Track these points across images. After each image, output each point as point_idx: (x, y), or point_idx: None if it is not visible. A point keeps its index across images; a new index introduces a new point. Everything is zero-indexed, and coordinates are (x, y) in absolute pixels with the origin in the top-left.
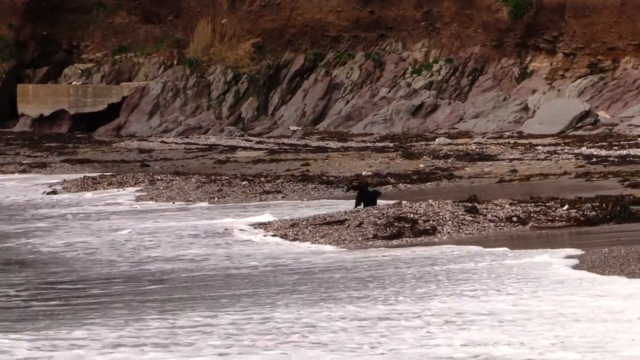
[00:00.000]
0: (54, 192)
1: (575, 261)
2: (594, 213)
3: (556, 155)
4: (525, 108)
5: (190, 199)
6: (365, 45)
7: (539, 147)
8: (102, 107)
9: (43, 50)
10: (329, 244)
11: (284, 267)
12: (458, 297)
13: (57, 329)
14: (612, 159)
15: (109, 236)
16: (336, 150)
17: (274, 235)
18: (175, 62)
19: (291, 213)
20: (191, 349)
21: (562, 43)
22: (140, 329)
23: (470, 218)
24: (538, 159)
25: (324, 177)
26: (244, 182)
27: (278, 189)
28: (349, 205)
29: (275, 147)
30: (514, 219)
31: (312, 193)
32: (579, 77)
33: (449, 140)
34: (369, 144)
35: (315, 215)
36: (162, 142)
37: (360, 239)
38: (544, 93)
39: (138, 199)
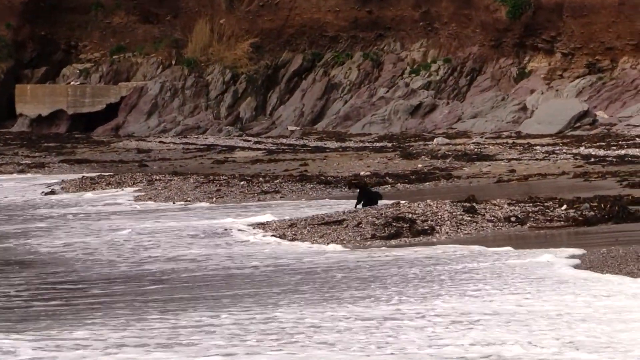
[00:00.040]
0: (52, 193)
1: (578, 261)
2: (592, 213)
3: (554, 155)
4: (524, 108)
5: (189, 199)
6: (364, 45)
7: (537, 147)
8: (100, 107)
9: (41, 51)
10: (330, 243)
11: (286, 267)
12: (462, 297)
13: (60, 329)
14: (610, 159)
15: (109, 236)
16: (334, 150)
17: (272, 236)
18: (173, 62)
19: (293, 213)
20: (196, 349)
21: (560, 43)
22: (143, 329)
23: (469, 218)
24: (536, 159)
25: (322, 177)
26: (242, 182)
27: (276, 189)
28: (350, 205)
29: (273, 147)
30: (513, 219)
31: (310, 193)
32: (577, 77)
33: (447, 140)
34: (367, 144)
35: (313, 215)
36: (160, 142)
37: (358, 239)
38: (542, 93)
39: (137, 199)
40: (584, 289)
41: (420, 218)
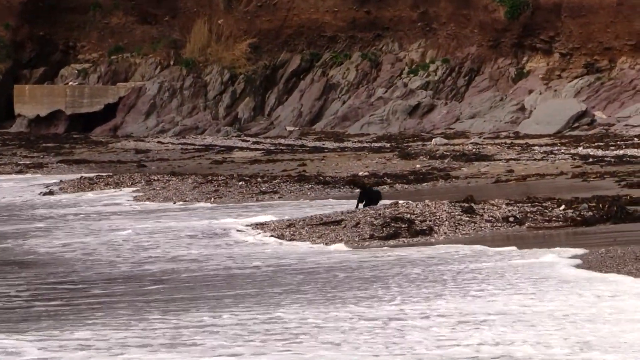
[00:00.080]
0: (51, 193)
1: (580, 261)
2: (590, 213)
3: (553, 155)
4: (522, 108)
5: (187, 199)
6: (362, 46)
7: (536, 147)
8: (98, 107)
9: (40, 51)
10: (335, 243)
11: (287, 267)
12: (466, 297)
13: (62, 329)
14: (608, 159)
15: (110, 236)
16: (333, 150)
17: (271, 236)
18: (171, 63)
19: (295, 213)
20: (202, 349)
21: (559, 43)
22: (146, 329)
23: (467, 218)
24: (535, 159)
25: (321, 178)
26: (240, 183)
27: (275, 189)
28: (352, 205)
29: (271, 148)
30: (511, 219)
31: (308, 193)
32: (576, 77)
33: (445, 141)
34: (365, 144)
35: (312, 216)
36: (158, 142)
37: (357, 239)
38: (540, 93)
39: (136, 199)
40: (588, 289)
41: (419, 218)
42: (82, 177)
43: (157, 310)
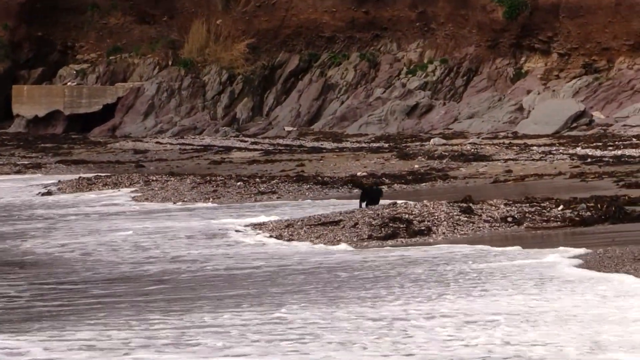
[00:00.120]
0: (49, 193)
1: (582, 261)
2: (588, 213)
3: (551, 155)
4: (520, 108)
5: (186, 199)
6: (360, 46)
7: (534, 148)
8: (97, 107)
9: (38, 51)
10: (341, 243)
11: (289, 267)
12: (471, 296)
13: (63, 329)
14: (606, 159)
15: (109, 237)
16: (331, 150)
17: (270, 236)
18: (170, 63)
19: (299, 213)
20: (208, 349)
21: (557, 43)
22: (149, 329)
23: (465, 218)
24: (533, 160)
25: (319, 178)
26: (239, 183)
27: (273, 189)
28: (355, 205)
29: (270, 148)
30: (509, 219)
31: (307, 193)
32: (574, 78)
33: (443, 141)
34: (363, 145)
35: (310, 216)
36: (157, 142)
37: (355, 239)
38: (538, 93)
39: (134, 199)
40: (593, 289)
41: (417, 219)
42: (80, 177)
43: (159, 310)
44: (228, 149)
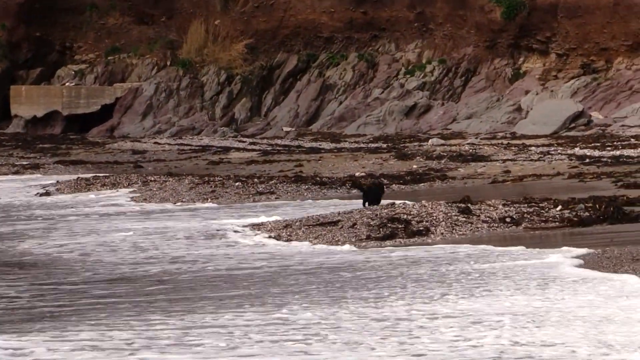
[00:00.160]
0: (47, 194)
1: (583, 261)
2: (587, 214)
3: (549, 156)
4: (519, 109)
5: (184, 199)
6: (359, 46)
7: (532, 148)
8: (95, 108)
9: (36, 52)
10: (345, 244)
11: (291, 267)
12: (475, 297)
13: (64, 329)
14: (605, 159)
15: (108, 237)
16: (329, 151)
17: (269, 237)
18: (168, 63)
19: (300, 213)
20: (213, 350)
21: (555, 44)
22: (151, 330)
23: (464, 219)
24: (531, 160)
25: (318, 178)
26: (237, 183)
27: (271, 190)
28: (358, 205)
29: (268, 148)
30: (507, 219)
31: (305, 194)
32: (572, 78)
33: (442, 141)
34: (362, 145)
35: (308, 216)
36: (155, 143)
37: (353, 239)
38: (537, 94)
39: (133, 199)
40: (597, 289)
41: (416, 219)
42: (78, 177)
43: (160, 311)
44: (226, 150)
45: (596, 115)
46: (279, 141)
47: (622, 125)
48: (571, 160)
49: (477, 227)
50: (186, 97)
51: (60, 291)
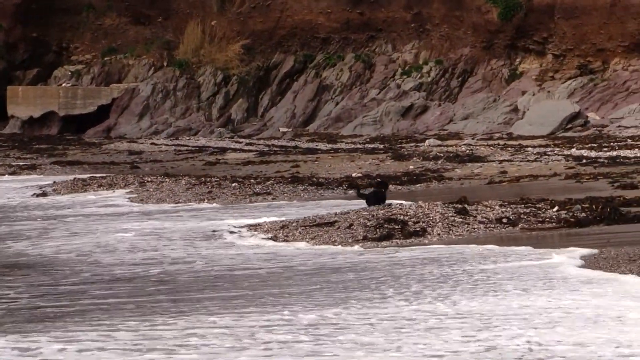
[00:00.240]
0: (44, 194)
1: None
2: (584, 214)
3: (546, 156)
4: (515, 109)
5: (181, 200)
6: (355, 47)
7: (529, 149)
8: (91, 108)
9: (33, 52)
10: (354, 244)
11: (294, 268)
12: (483, 297)
13: (70, 330)
14: (602, 160)
15: (107, 238)
16: (326, 151)
17: (269, 238)
18: (165, 64)
19: (302, 213)
20: (221, 350)
21: (552, 44)
22: (154, 331)
23: (460, 219)
24: (528, 161)
25: (314, 179)
26: (234, 184)
27: (268, 190)
28: (361, 205)
29: (265, 149)
30: (504, 220)
31: (302, 194)
32: (569, 79)
33: (438, 142)
34: (358, 146)
35: (305, 217)
36: (152, 143)
37: (350, 240)
38: (533, 94)
39: (130, 200)
40: (608, 289)
41: (412, 219)
42: (75, 178)
43: (163, 311)
44: (223, 150)
45: (593, 116)
46: (275, 142)
47: (619, 126)
48: (568, 160)
49: (474, 228)
50: (183, 97)
51: (62, 292)
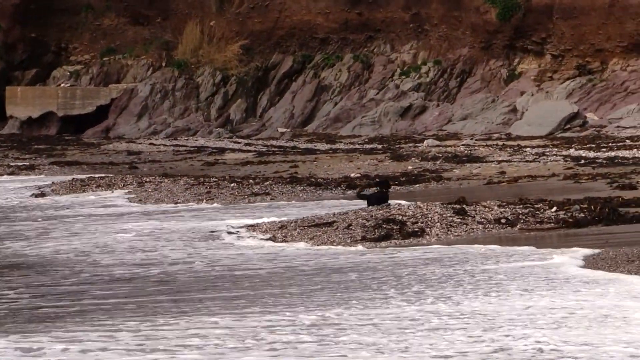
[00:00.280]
0: (43, 195)
1: (584, 262)
2: (582, 215)
3: (544, 157)
4: (514, 110)
5: (179, 200)
6: (354, 47)
7: (528, 149)
8: (90, 109)
9: (32, 52)
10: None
11: (295, 268)
12: (486, 297)
13: (73, 331)
14: (600, 160)
15: (106, 238)
16: (325, 152)
17: (268, 238)
18: (163, 64)
19: (304, 213)
20: (227, 350)
21: (551, 45)
22: (157, 331)
23: (459, 220)
24: (526, 161)
25: (313, 179)
26: (232, 184)
27: (267, 191)
28: (363, 204)
29: (263, 149)
30: (503, 220)
31: (300, 195)
32: (567, 79)
33: (437, 142)
34: (357, 146)
35: (303, 217)
36: (150, 144)
37: (349, 240)
38: (532, 95)
39: (128, 200)
40: (612, 290)
41: (411, 220)
42: (74, 178)
43: (166, 312)
44: (222, 150)
45: (591, 117)
46: (274, 142)
47: (617, 127)
48: (566, 161)
49: (472, 229)
50: (181, 98)
51: (63, 293)
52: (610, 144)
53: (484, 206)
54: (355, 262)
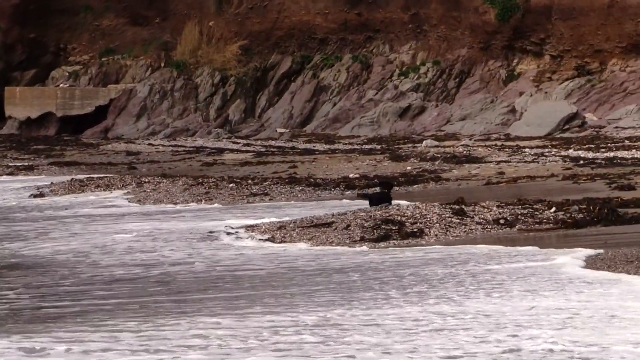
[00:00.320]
0: (41, 195)
1: (585, 262)
2: (581, 215)
3: (543, 157)
4: (513, 110)
5: (178, 201)
6: (353, 48)
7: (526, 149)
8: (89, 109)
9: (31, 53)
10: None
11: (296, 268)
12: (490, 297)
13: (75, 331)
14: (599, 161)
15: (106, 239)
16: (323, 152)
17: (267, 239)
18: (162, 65)
19: (305, 213)
20: (231, 350)
21: (549, 45)
22: (159, 331)
23: (458, 220)
24: (525, 161)
25: (312, 180)
26: (231, 185)
27: (265, 191)
28: (364, 205)
29: (262, 150)
30: (502, 221)
31: (299, 195)
32: (566, 79)
33: (436, 143)
34: (356, 146)
35: (302, 218)
36: (149, 144)
37: (347, 241)
38: (531, 95)
39: (127, 201)
40: (613, 291)
41: (409, 220)
42: (72, 179)
43: (168, 312)
44: (220, 151)
45: (590, 117)
46: (273, 142)
47: (616, 127)
48: (565, 161)
49: (471, 229)
50: (180, 98)
51: (64, 293)
52: (609, 145)
53: (483, 207)
54: (357, 263)
